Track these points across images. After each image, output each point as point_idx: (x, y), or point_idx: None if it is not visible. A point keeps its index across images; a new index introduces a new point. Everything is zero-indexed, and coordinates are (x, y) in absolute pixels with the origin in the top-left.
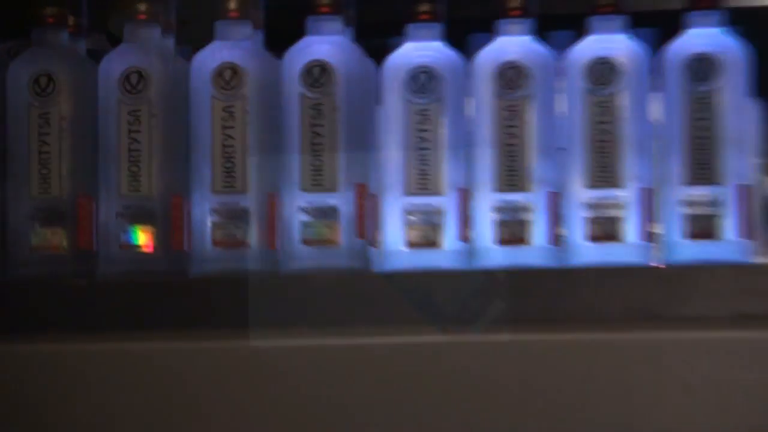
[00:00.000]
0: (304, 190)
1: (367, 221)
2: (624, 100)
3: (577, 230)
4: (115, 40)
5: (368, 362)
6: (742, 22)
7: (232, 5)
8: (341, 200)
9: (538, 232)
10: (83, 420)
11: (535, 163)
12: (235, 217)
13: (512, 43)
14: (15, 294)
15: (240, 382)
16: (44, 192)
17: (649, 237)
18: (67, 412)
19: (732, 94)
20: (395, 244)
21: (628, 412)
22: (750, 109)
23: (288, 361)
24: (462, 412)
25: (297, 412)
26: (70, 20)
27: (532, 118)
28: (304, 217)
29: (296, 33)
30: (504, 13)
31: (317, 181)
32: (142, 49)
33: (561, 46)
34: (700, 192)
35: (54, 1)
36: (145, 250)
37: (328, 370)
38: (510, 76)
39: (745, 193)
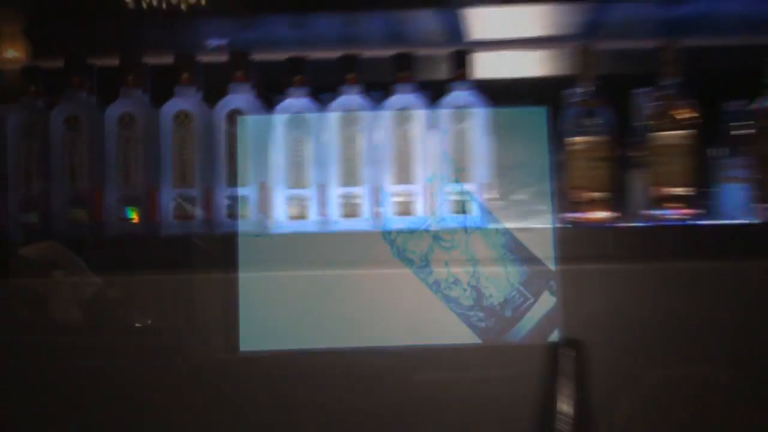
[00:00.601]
0: (228, 185)
1: (265, 204)
2: (415, 133)
3: (388, 208)
4: (111, 97)
5: (268, 289)
6: (483, 88)
7: (185, 76)
8: (250, 191)
9: (366, 210)
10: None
11: (363, 169)
12: (187, 201)
13: (349, 99)
14: None
15: (197, 301)
16: (73, 186)
17: (431, 213)
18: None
19: (478, 131)
20: (281, 217)
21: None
22: (486, 140)
23: (224, 286)
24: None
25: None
26: (86, 84)
27: (361, 143)
28: (228, 201)
29: (222, 92)
30: (344, 82)
31: (236, 179)
32: (131, 102)
33: (378, 101)
34: (458, 187)
35: (77, 73)
36: (134, 221)
37: (252, 294)
38: (348, 118)
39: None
